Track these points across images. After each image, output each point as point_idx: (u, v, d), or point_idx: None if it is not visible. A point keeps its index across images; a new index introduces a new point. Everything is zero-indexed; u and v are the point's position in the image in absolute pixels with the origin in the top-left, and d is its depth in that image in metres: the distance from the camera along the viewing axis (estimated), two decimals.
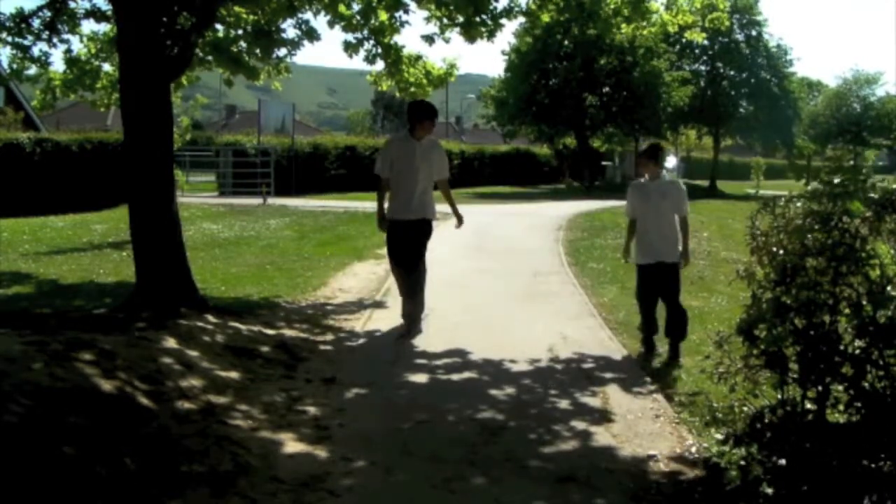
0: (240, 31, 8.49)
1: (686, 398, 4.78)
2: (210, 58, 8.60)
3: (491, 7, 7.65)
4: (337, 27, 8.33)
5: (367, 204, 19.99)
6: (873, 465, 3.09)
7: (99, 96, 9.71)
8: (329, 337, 6.31)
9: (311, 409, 4.50)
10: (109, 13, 7.87)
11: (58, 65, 22.20)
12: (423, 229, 6.38)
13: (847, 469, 3.08)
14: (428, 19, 8.11)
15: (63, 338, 4.56)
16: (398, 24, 8.31)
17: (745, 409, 3.51)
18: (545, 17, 8.07)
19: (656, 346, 5.93)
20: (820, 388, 3.25)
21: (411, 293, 6.38)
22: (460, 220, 6.67)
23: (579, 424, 4.37)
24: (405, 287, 6.43)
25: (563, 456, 3.93)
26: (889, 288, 3.13)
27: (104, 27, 8.92)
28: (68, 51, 9.01)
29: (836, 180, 3.29)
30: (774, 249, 3.38)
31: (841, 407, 3.26)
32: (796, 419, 3.27)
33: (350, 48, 8.58)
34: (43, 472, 2.98)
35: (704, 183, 38.08)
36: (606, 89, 32.57)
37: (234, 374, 4.94)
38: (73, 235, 13.27)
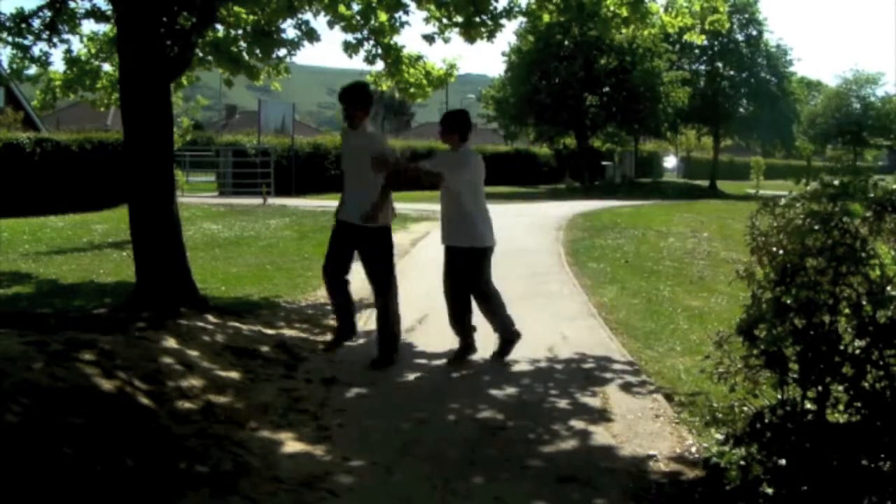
0: (240, 31, 8.49)
1: (686, 398, 4.79)
2: (210, 58, 8.60)
3: (491, 7, 7.64)
4: (337, 27, 8.33)
5: None
6: (873, 465, 3.09)
7: (99, 96, 9.71)
8: (329, 337, 6.31)
9: (311, 409, 4.50)
10: (109, 13, 7.87)
11: (58, 65, 22.22)
12: (369, 239, 5.46)
13: (847, 469, 3.08)
14: (427, 20, 8.11)
15: (63, 338, 4.56)
16: (398, 24, 8.31)
17: (745, 409, 3.51)
18: (545, 18, 8.07)
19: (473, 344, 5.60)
20: (820, 388, 3.26)
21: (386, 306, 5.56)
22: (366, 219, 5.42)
23: (579, 424, 4.37)
24: (343, 302, 5.75)
25: (563, 456, 3.94)
26: (889, 288, 3.13)
27: (104, 27, 8.92)
28: (68, 51, 9.01)
29: (836, 181, 3.30)
30: (774, 249, 3.38)
31: (841, 407, 3.26)
32: (796, 419, 3.27)
33: (350, 48, 8.58)
34: (43, 472, 2.98)
35: (704, 183, 38.10)
36: (606, 89, 32.58)
37: (234, 374, 4.94)
38: (73, 235, 13.27)
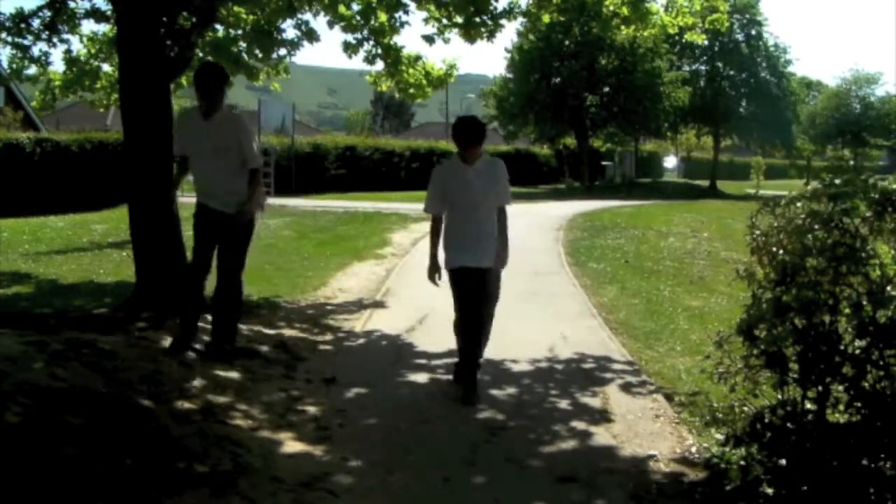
0: (240, 32, 8.49)
1: (686, 398, 4.79)
2: (210, 58, 8.59)
3: (491, 7, 7.65)
4: (337, 28, 8.34)
5: (366, 204, 20.00)
6: (873, 465, 3.09)
7: (99, 96, 9.70)
8: (329, 337, 6.31)
9: (311, 409, 4.50)
10: (109, 13, 7.87)
11: (58, 65, 22.22)
12: (234, 226, 5.23)
13: (847, 469, 3.08)
14: (427, 20, 8.11)
15: (63, 338, 4.56)
16: (398, 24, 8.31)
17: (745, 409, 3.51)
18: (546, 18, 8.07)
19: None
20: (820, 388, 3.25)
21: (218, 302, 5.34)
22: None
23: (579, 424, 4.37)
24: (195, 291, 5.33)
25: (563, 456, 3.93)
26: (889, 288, 3.13)
27: (104, 27, 8.93)
28: (68, 51, 9.02)
29: (837, 181, 3.30)
30: (774, 249, 3.38)
31: (841, 407, 3.26)
32: (796, 419, 3.27)
33: (350, 49, 8.59)
34: (43, 472, 2.98)
35: (704, 183, 38.09)
36: (607, 89, 32.57)
37: (234, 374, 4.94)
38: (73, 235, 13.26)
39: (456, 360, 5.08)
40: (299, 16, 8.30)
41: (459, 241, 4.81)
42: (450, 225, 4.87)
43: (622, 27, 7.95)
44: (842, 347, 3.19)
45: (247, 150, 5.18)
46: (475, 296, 4.77)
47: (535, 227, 15.27)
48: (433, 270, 4.86)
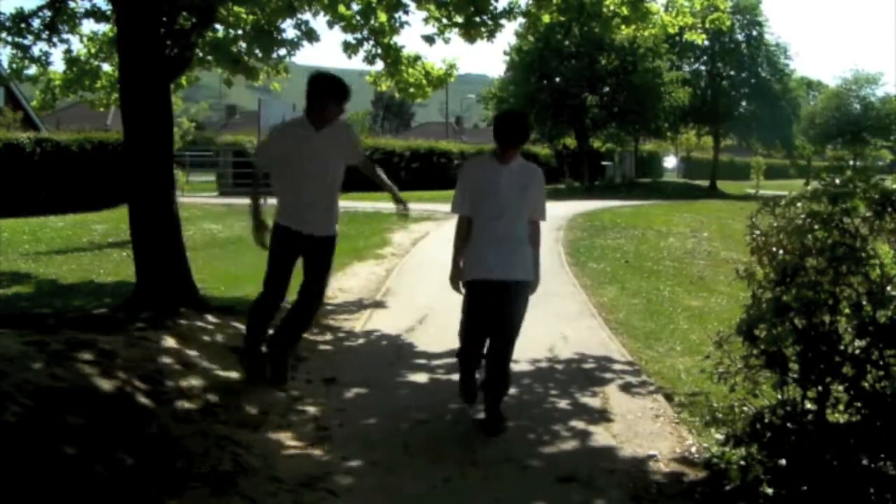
0: (240, 31, 8.49)
1: (686, 398, 4.79)
2: (210, 58, 8.59)
3: (491, 7, 7.65)
4: (337, 28, 8.34)
5: (366, 204, 19.99)
6: (873, 465, 3.09)
7: (99, 96, 9.70)
8: (329, 337, 6.31)
9: (311, 409, 4.50)
10: (109, 13, 7.87)
11: (58, 65, 22.23)
12: (325, 248, 5.14)
13: (847, 469, 3.08)
14: (427, 20, 8.11)
15: (63, 338, 4.56)
16: (398, 24, 8.31)
17: (745, 409, 3.51)
18: (545, 18, 8.07)
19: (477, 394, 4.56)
20: (820, 388, 3.26)
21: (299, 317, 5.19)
22: (401, 206, 5.48)
23: (579, 424, 4.37)
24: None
25: (563, 456, 3.94)
26: (889, 288, 3.13)
27: (104, 27, 8.92)
28: (68, 51, 9.00)
29: (837, 181, 3.30)
30: (774, 249, 3.39)
31: (841, 407, 3.26)
32: (796, 419, 3.28)
33: (349, 49, 8.58)
34: (43, 472, 2.98)
35: (704, 183, 38.08)
36: (607, 89, 32.56)
37: (234, 374, 4.94)
38: (73, 235, 13.26)
39: (455, 359, 5.03)
40: (299, 16, 8.29)
41: (476, 250, 4.32)
42: (470, 230, 4.39)
43: (622, 27, 7.96)
44: (842, 347, 3.19)
45: (359, 149, 5.17)
46: (482, 314, 4.32)
47: None
48: (455, 277, 4.40)
